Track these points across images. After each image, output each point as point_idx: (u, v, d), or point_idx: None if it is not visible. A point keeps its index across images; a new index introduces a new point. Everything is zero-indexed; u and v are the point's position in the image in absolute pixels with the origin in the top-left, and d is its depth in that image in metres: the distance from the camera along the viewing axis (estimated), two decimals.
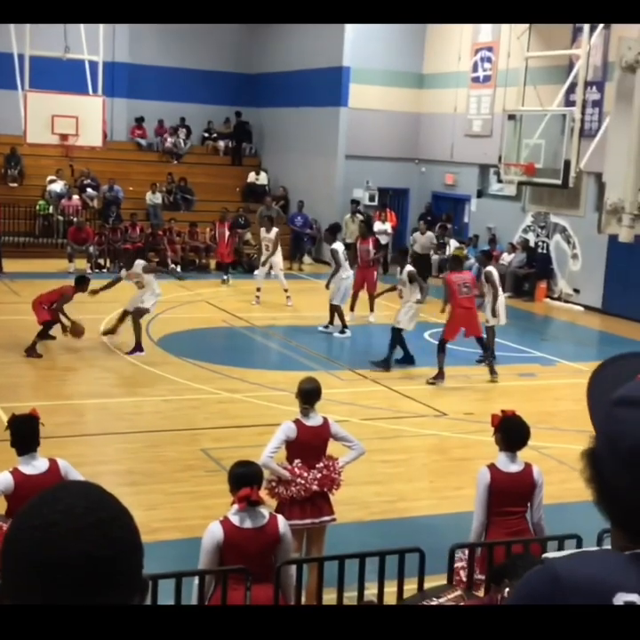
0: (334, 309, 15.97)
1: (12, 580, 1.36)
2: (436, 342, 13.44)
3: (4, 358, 13.23)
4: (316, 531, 6.59)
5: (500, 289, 13.86)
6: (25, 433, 5.65)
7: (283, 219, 23.96)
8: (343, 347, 15.82)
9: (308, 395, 6.64)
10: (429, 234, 22.07)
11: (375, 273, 17.20)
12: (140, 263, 13.99)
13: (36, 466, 5.57)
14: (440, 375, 13.08)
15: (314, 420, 6.60)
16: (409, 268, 13.86)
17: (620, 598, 1.35)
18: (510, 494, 5.99)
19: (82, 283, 13.95)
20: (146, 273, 13.86)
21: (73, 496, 1.41)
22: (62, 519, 1.37)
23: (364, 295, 17.00)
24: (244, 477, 5.32)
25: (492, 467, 6.03)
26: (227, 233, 21.02)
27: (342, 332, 15.84)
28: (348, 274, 16.11)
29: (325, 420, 6.66)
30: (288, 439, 6.49)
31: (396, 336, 13.70)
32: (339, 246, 16.33)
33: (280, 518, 5.46)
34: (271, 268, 18.02)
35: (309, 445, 6.55)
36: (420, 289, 13.69)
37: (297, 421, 6.55)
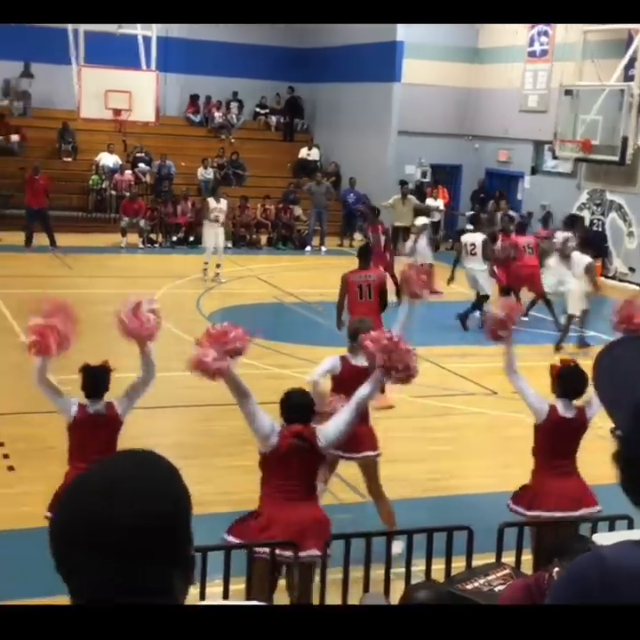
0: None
1: (53, 548, 1.43)
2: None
3: None
4: (364, 466, 6.60)
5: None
6: (93, 381, 6.07)
7: (333, 195, 23.88)
8: (392, 323, 15.75)
9: (357, 332, 6.60)
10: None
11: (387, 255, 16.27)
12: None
13: (97, 408, 6.03)
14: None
15: (359, 360, 6.55)
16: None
17: None
18: (563, 436, 6.10)
19: None
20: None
21: (120, 467, 1.43)
22: (102, 488, 1.39)
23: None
24: (297, 408, 5.42)
25: (552, 406, 6.13)
26: None
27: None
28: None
29: None
30: (332, 372, 6.53)
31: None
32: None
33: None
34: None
35: (351, 384, 6.27)
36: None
37: (343, 358, 6.57)
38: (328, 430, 5.41)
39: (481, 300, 15.00)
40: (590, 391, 6.07)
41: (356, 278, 10.61)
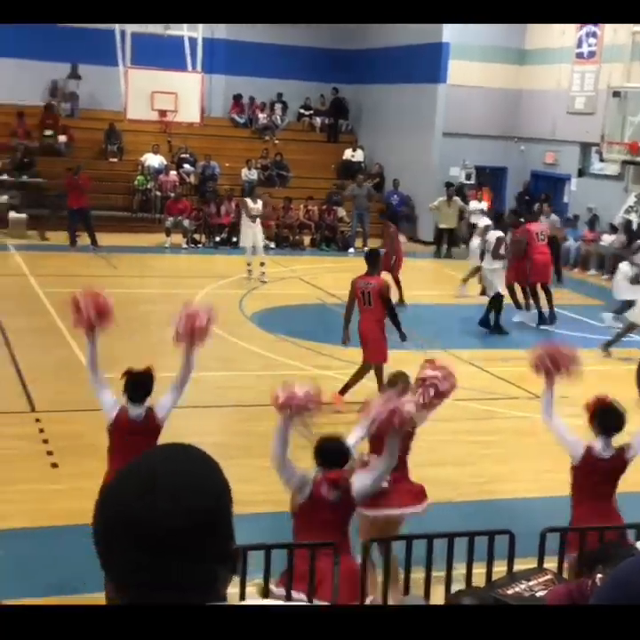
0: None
1: (95, 545, 1.43)
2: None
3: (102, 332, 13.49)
4: (390, 524, 6.29)
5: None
6: (136, 386, 6.13)
7: (375, 197, 23.84)
8: (435, 326, 15.70)
9: (392, 385, 6.57)
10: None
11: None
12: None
13: (138, 413, 6.08)
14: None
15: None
16: None
17: None
18: (600, 477, 5.97)
19: None
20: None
21: (160, 462, 1.42)
22: (142, 484, 1.39)
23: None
24: (332, 453, 5.35)
25: (588, 448, 5.99)
26: None
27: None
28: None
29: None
30: None
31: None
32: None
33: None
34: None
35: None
36: None
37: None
38: (356, 485, 5.36)
39: (495, 301, 14.77)
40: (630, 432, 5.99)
41: (361, 284, 10.56)
